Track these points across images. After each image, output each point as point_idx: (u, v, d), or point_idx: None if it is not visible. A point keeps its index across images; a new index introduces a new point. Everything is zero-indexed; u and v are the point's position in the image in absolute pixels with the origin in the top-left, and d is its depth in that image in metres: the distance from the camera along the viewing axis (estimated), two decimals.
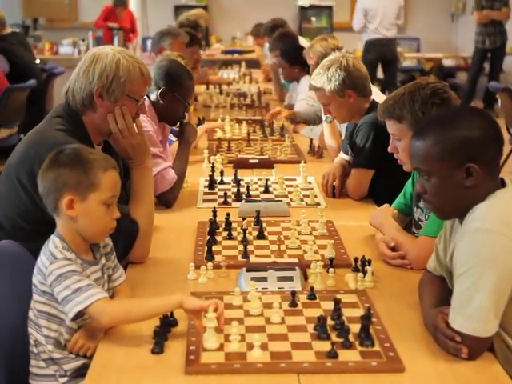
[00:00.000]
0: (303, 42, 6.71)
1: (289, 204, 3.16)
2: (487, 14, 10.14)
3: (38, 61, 7.95)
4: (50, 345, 1.99)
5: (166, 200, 3.13)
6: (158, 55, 4.67)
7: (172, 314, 1.98)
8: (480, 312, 1.79)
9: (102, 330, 1.98)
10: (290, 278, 2.27)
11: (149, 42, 7.25)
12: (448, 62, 12.50)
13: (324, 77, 3.31)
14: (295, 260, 2.46)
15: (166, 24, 6.81)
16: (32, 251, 2.17)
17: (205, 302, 1.93)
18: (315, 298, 2.16)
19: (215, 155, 3.92)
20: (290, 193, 3.33)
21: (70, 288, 1.89)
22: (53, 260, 1.93)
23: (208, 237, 2.66)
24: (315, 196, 3.27)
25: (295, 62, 5.40)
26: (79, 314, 1.91)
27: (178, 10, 12.07)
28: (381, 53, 9.51)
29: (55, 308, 1.97)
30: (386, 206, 2.79)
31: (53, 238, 2.00)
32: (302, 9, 13.04)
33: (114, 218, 2.06)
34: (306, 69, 5.17)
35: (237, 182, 3.39)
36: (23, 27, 11.05)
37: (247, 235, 2.65)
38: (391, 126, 2.54)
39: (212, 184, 3.42)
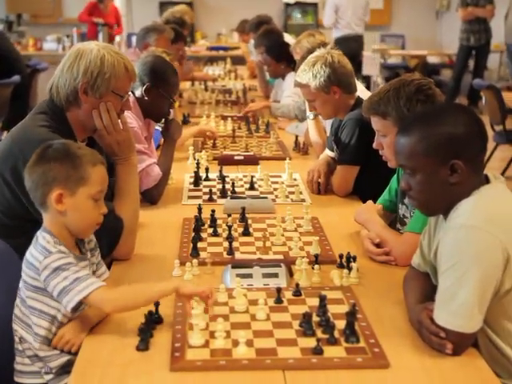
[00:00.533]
0: (288, 38, 6.71)
1: (274, 201, 3.16)
2: (472, 11, 10.19)
3: None
4: (38, 343, 1.97)
5: (150, 196, 3.12)
6: (143, 51, 4.64)
7: (157, 310, 1.98)
8: (464, 308, 1.80)
9: (90, 325, 1.98)
10: (276, 275, 2.27)
11: (134, 38, 7.22)
12: (433, 59, 12.55)
13: (309, 73, 3.31)
14: (280, 257, 2.46)
15: (151, 20, 6.80)
16: (15, 248, 2.16)
17: (200, 287, 1.96)
18: (300, 295, 2.16)
19: (200, 152, 3.92)
20: (275, 189, 3.33)
21: (69, 279, 1.89)
22: (47, 254, 1.92)
23: (193, 233, 2.66)
24: (300, 193, 3.27)
25: (281, 59, 5.40)
26: (78, 305, 1.91)
27: (163, 6, 12.03)
28: (351, 49, 9.52)
29: (47, 305, 1.96)
30: (370, 202, 2.79)
31: (42, 233, 1.99)
32: (288, 5, 13.06)
33: (102, 213, 2.06)
34: (291, 65, 5.17)
35: (222, 178, 3.39)
36: (7, 23, 10.98)
37: (232, 232, 2.64)
38: (376, 123, 2.55)
39: (197, 181, 3.42)
